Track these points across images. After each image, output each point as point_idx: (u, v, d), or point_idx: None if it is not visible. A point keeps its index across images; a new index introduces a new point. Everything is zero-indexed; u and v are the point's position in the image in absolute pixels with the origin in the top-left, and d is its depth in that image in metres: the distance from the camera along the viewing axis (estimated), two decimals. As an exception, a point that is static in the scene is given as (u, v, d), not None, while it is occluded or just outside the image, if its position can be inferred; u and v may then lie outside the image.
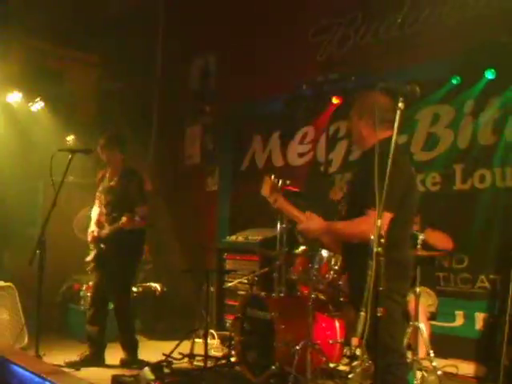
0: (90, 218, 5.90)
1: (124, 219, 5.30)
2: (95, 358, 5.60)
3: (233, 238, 6.96)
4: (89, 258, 5.76)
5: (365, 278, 2.99)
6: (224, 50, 8.25)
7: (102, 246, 5.62)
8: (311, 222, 3.59)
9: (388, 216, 3.20)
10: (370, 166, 3.08)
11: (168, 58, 9.18)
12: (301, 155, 7.43)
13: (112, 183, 5.74)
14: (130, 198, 5.53)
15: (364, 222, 3.22)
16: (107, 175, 5.82)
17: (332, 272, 5.11)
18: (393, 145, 2.98)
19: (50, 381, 3.94)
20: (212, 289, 6.12)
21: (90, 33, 8.11)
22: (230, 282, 6.54)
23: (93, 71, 8.58)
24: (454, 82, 5.91)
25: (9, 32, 7.27)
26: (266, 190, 4.05)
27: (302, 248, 5.33)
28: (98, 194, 5.86)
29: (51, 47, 7.76)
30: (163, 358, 5.47)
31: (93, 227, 5.75)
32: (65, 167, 5.13)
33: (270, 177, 4.07)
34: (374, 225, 2.97)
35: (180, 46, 8.78)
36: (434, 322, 5.26)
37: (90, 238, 5.72)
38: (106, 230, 5.60)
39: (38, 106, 7.52)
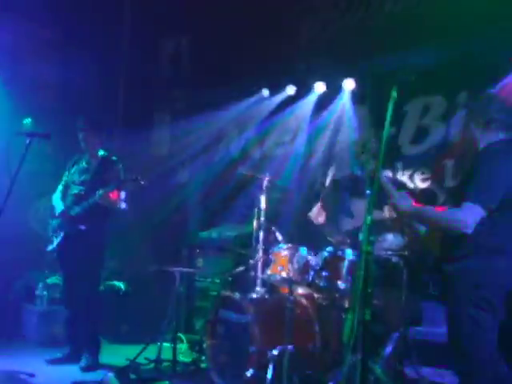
0: (48, 208, 5.85)
1: (101, 192, 5.39)
2: (76, 357, 5.68)
3: (205, 233, 6.93)
4: (52, 247, 5.74)
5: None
6: (197, 33, 8.17)
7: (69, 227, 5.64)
8: (404, 200, 3.75)
9: (478, 210, 3.41)
10: (476, 165, 3.51)
11: (136, 41, 9.06)
12: (279, 145, 7.42)
13: (89, 165, 5.80)
14: (106, 181, 5.57)
15: (457, 212, 3.46)
16: (83, 159, 5.87)
17: (313, 272, 5.13)
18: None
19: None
20: (181, 289, 6.06)
21: (51, 10, 7.95)
22: (202, 281, 6.51)
23: (54, 50, 8.40)
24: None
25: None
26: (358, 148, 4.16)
27: (281, 246, 5.32)
28: (67, 175, 5.90)
29: (8, 21, 7.55)
30: (127, 362, 5.42)
31: (61, 206, 5.73)
32: (20, 153, 5.03)
33: (374, 140, 4.12)
34: (471, 216, 3.38)
35: (149, 28, 8.67)
36: (419, 328, 5.30)
37: (61, 217, 5.71)
38: (78, 209, 5.62)
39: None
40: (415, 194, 5.95)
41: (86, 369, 5.52)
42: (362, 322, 3.29)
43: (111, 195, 5.40)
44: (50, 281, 6.88)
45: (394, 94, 3.41)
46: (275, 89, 7.28)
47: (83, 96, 8.04)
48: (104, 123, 6.05)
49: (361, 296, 3.33)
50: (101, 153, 5.85)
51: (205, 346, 5.41)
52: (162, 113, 8.73)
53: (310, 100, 7.02)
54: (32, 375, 5.15)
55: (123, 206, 5.53)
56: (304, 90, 7.08)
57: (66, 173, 5.93)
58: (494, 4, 5.56)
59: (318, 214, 5.87)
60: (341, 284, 5.06)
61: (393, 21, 6.28)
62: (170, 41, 8.70)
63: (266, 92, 7.39)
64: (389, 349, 4.89)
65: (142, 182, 5.47)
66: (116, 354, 5.94)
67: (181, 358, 5.86)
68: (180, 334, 6.31)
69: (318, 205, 5.89)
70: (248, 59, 7.41)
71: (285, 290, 5.26)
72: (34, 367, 5.33)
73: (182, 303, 6.50)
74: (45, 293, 6.78)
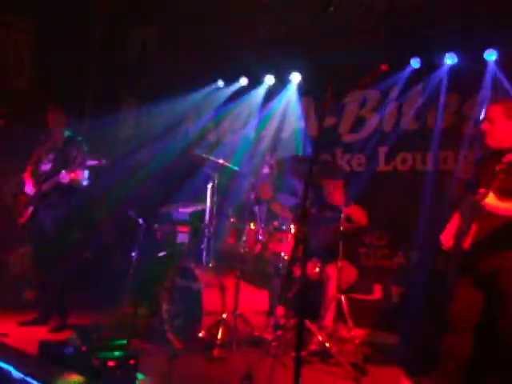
0: (19, 184, 5.76)
1: (63, 173, 5.30)
2: (45, 319, 5.62)
3: (164, 209, 6.88)
4: (23, 219, 5.65)
5: None
6: (162, 26, 8.06)
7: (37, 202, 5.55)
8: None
9: None
10: None
11: (107, 32, 8.89)
12: (234, 131, 7.41)
13: (55, 144, 5.70)
14: (70, 160, 5.47)
15: None
16: (50, 139, 5.77)
17: (260, 244, 5.16)
18: None
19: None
20: (141, 258, 6.02)
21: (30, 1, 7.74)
22: (160, 252, 6.46)
23: (28, 38, 8.19)
24: (383, 68, 5.99)
25: None
26: None
27: (231, 221, 5.34)
28: (36, 154, 5.78)
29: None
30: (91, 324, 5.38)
31: (30, 183, 5.68)
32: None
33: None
34: None
35: (119, 21, 8.52)
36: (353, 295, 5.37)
37: (32, 192, 5.62)
38: (45, 185, 5.53)
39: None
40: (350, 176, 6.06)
41: (54, 330, 5.47)
42: (300, 287, 3.33)
43: (73, 174, 5.31)
44: (22, 250, 6.76)
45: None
46: (230, 80, 7.26)
47: (57, 82, 7.88)
48: (70, 106, 5.95)
49: (299, 265, 3.38)
50: (66, 133, 5.75)
51: (162, 310, 5.42)
52: (128, 98, 8.61)
53: (261, 91, 7.04)
54: (5, 335, 5.07)
55: (85, 183, 5.44)
56: (255, 82, 7.09)
57: (35, 152, 5.82)
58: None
59: (264, 190, 5.89)
60: (284, 255, 5.12)
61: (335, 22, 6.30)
62: (138, 33, 8.57)
63: (220, 82, 7.36)
64: (326, 311, 4.97)
65: (104, 162, 5.40)
66: (82, 317, 5.87)
67: (141, 320, 5.83)
68: (140, 299, 6.26)
69: (265, 182, 5.92)
70: (207, 52, 7.35)
71: (235, 260, 5.28)
72: (7, 328, 5.24)
73: (143, 271, 6.48)
74: (17, 261, 6.68)
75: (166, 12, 7.86)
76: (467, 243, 3.68)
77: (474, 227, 3.67)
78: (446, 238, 3.90)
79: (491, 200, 3.58)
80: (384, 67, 5.76)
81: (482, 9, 5.29)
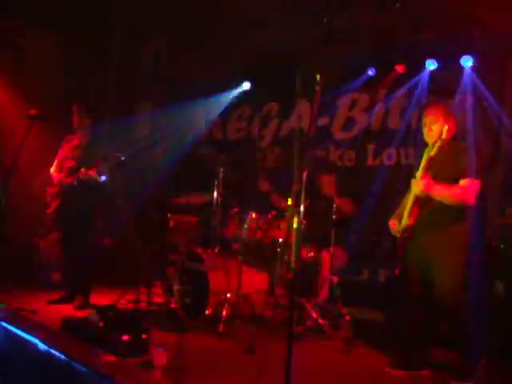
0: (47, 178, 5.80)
1: (82, 170, 5.32)
2: (71, 298, 5.65)
3: (176, 200, 6.90)
4: (49, 210, 5.67)
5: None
6: (173, 36, 8.04)
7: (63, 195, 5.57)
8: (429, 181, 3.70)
9: (478, 183, 3.57)
10: (454, 150, 3.62)
11: (124, 43, 8.88)
12: (238, 130, 7.41)
13: (80, 142, 5.70)
14: (93, 157, 5.45)
15: (463, 188, 3.57)
16: (75, 137, 5.76)
17: (260, 231, 5.17)
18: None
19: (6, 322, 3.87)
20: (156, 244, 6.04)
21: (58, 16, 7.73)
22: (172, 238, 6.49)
23: (57, 48, 8.18)
24: (370, 73, 6.00)
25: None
26: None
27: (235, 210, 5.35)
28: (63, 151, 5.78)
29: (13, 22, 7.31)
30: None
31: (57, 177, 5.69)
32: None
33: None
34: (474, 189, 3.53)
35: (134, 33, 8.49)
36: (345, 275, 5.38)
37: (58, 186, 5.63)
38: (69, 179, 5.56)
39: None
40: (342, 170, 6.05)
41: (79, 308, 5.50)
42: (293, 270, 3.33)
43: (91, 172, 5.33)
44: (51, 237, 6.77)
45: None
46: (234, 84, 7.25)
47: (82, 87, 7.89)
48: (94, 109, 5.95)
49: (295, 250, 3.37)
50: (90, 133, 5.76)
51: (173, 290, 5.44)
52: (144, 101, 8.62)
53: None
54: (34, 312, 5.11)
55: (103, 178, 5.43)
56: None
57: (62, 149, 5.85)
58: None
59: (263, 185, 5.92)
60: (282, 241, 5.13)
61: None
62: (151, 44, 8.57)
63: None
64: (320, 292, 4.99)
65: (123, 158, 5.40)
66: (104, 297, 5.90)
67: (155, 300, 5.85)
68: (155, 281, 6.29)
69: (263, 177, 5.93)
70: (212, 60, 7.34)
71: (237, 245, 5.29)
72: (36, 306, 5.27)
73: (157, 256, 6.50)
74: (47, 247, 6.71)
75: (176, 24, 7.84)
76: (411, 220, 3.80)
77: (415, 207, 3.80)
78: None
79: (425, 182, 3.67)
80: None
81: (460, 20, 5.26)
